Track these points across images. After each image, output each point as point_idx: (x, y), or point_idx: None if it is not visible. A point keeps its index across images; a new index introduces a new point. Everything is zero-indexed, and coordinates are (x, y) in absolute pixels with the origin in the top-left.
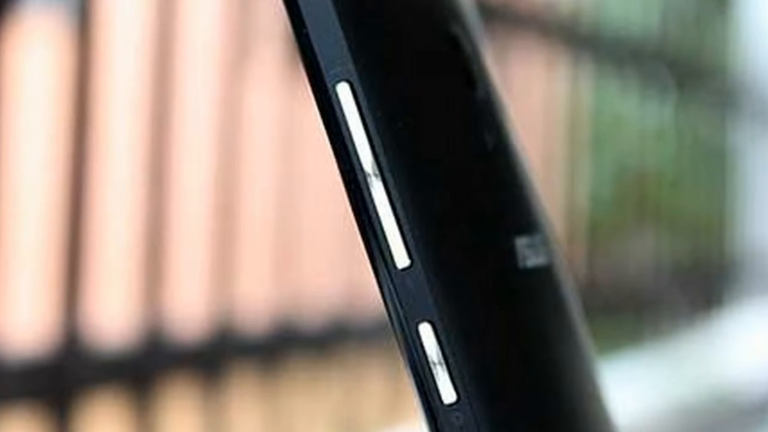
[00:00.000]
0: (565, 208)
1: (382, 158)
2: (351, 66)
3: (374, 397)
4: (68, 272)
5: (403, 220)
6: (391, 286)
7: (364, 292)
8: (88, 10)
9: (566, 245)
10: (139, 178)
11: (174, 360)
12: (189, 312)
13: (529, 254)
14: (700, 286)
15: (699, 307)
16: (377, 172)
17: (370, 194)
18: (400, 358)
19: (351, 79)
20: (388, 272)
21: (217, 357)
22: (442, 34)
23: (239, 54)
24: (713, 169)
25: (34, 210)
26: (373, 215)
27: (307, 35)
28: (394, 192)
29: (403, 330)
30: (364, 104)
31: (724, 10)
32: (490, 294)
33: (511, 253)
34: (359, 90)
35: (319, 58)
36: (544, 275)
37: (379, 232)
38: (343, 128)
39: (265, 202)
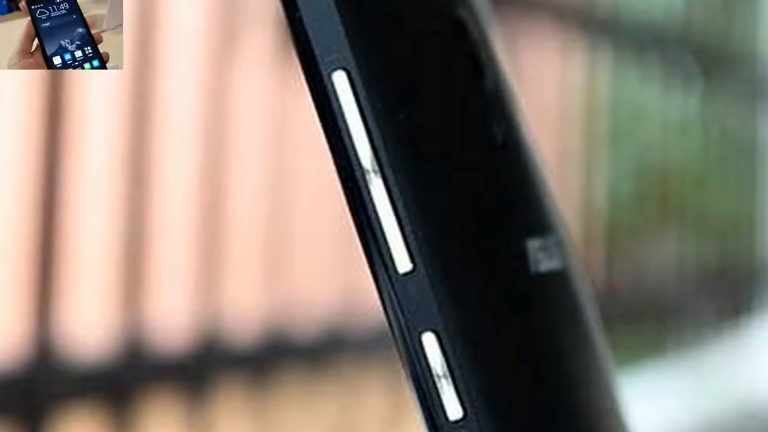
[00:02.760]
0: (582, 208)
1: (381, 153)
2: (348, 53)
3: (373, 413)
4: (41, 278)
5: (404, 221)
6: (391, 293)
7: (363, 299)
8: None
9: (583, 248)
10: (117, 175)
11: (156, 373)
12: (172, 321)
13: (541, 258)
14: (727, 292)
15: (726, 315)
16: (377, 168)
17: (369, 192)
18: (402, 371)
19: (348, 67)
20: (389, 277)
21: (203, 369)
22: (448, 17)
23: (227, 39)
24: (742, 164)
25: (3, 210)
26: (372, 215)
27: (300, 19)
28: (394, 190)
29: (404, 340)
30: (362, 94)
31: None
32: (500, 301)
33: (523, 256)
34: (357, 79)
35: (314, 44)
36: (559, 280)
37: (378, 234)
38: (340, 121)
39: (254, 201)
